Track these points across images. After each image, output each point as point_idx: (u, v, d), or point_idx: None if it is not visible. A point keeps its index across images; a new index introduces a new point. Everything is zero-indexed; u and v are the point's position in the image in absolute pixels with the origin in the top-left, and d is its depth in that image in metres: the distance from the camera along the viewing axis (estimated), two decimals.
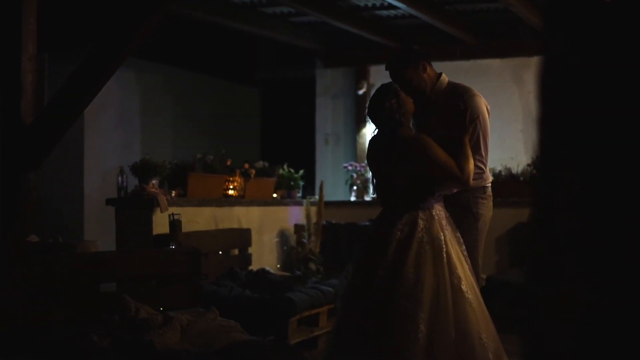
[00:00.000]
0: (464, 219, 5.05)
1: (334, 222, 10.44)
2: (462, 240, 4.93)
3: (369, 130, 11.83)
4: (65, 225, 9.52)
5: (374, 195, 11.22)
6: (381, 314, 4.70)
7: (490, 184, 5.24)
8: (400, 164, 4.87)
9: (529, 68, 10.88)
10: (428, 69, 5.12)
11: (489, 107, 5.17)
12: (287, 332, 7.11)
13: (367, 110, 5.04)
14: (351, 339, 4.80)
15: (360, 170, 11.52)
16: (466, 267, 4.83)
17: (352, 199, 11.59)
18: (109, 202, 7.81)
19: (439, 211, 4.88)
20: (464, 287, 4.71)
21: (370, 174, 11.30)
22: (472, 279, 4.82)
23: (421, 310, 4.62)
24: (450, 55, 10.94)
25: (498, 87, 11.00)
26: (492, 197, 5.23)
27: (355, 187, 11.58)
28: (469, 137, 4.95)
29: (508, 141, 10.80)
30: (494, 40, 11.10)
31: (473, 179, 4.95)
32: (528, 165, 10.23)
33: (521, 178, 10.16)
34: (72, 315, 5.40)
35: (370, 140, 5.10)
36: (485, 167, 5.14)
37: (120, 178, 7.80)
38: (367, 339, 4.71)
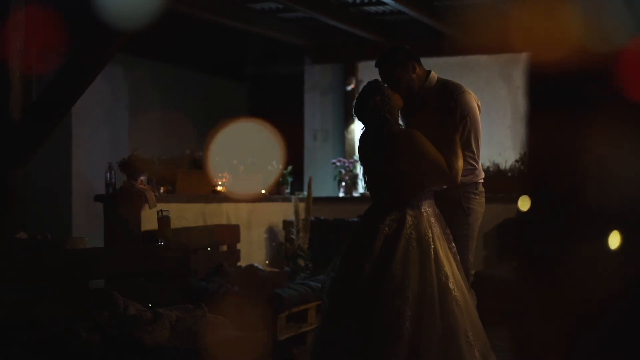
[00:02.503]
0: (455, 214, 5.06)
1: (322, 218, 10.44)
2: (451, 237, 4.94)
3: (357, 126, 11.84)
4: (54, 222, 9.51)
5: (366, 192, 11.24)
6: (367, 309, 4.71)
7: (482, 180, 5.25)
8: (389, 160, 4.88)
9: (517, 64, 10.90)
10: (417, 68, 5.13)
11: (479, 104, 5.17)
12: (275, 328, 7.11)
13: (353, 109, 5.07)
14: (337, 333, 4.81)
15: (348, 166, 11.53)
16: (454, 264, 4.84)
17: (341, 194, 11.60)
18: (97, 198, 7.79)
19: (428, 208, 4.89)
20: (451, 285, 4.72)
21: (358, 170, 11.36)
22: (459, 277, 4.83)
23: (407, 306, 4.63)
24: (439, 51, 10.95)
25: (486, 83, 11.02)
26: (484, 193, 5.24)
27: (343, 183, 11.58)
28: (459, 134, 4.95)
29: (496, 137, 10.82)
30: (482, 36, 11.11)
31: (464, 175, 4.97)
32: (516, 161, 10.25)
33: (509, 174, 10.19)
34: (61, 311, 5.40)
35: (360, 138, 5.12)
36: (477, 164, 5.14)
37: (108, 174, 7.79)
38: (352, 333, 4.72)
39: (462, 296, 4.76)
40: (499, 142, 10.81)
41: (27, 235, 6.55)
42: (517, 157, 10.29)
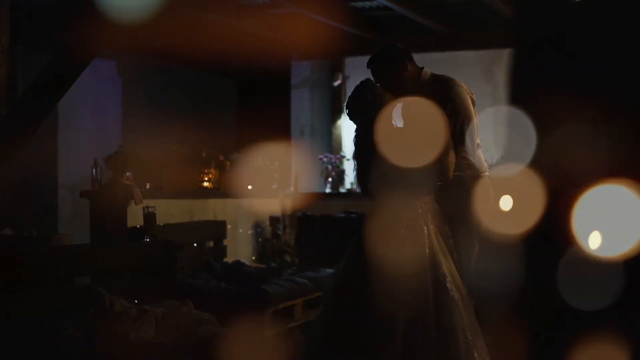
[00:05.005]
0: (457, 210, 5.00)
1: (309, 213, 10.44)
2: (450, 234, 4.89)
3: (345, 122, 11.85)
4: (40, 218, 9.47)
5: (353, 187, 11.25)
6: (361, 309, 4.69)
7: (486, 173, 5.20)
8: (381, 159, 4.87)
9: (502, 60, 10.92)
10: (409, 66, 5.10)
11: (474, 97, 5.16)
12: (262, 324, 7.11)
13: (345, 108, 5.06)
14: (331, 333, 4.79)
15: (335, 162, 11.53)
16: (452, 263, 4.80)
17: (327, 190, 11.60)
18: (83, 194, 7.77)
19: (424, 204, 4.85)
20: (449, 285, 4.67)
21: (345, 166, 11.36)
22: (457, 275, 4.78)
23: (399, 307, 4.60)
24: (425, 47, 10.96)
25: (474, 79, 11.02)
26: (490, 187, 5.16)
27: (330, 179, 11.58)
28: (451, 129, 4.93)
29: (482, 134, 10.82)
30: (468, 32, 11.13)
31: (462, 170, 4.95)
32: (502, 157, 10.27)
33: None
34: (46, 308, 5.39)
35: (353, 138, 5.08)
36: (474, 158, 5.11)
37: (94, 170, 7.77)
38: (346, 334, 4.71)
39: (460, 296, 4.71)
40: (486, 139, 10.81)
41: (13, 232, 6.53)
42: (502, 153, 10.30)
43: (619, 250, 1.88)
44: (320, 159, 11.68)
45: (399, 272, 4.67)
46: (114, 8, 5.94)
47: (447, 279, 4.68)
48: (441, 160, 4.82)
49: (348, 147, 11.35)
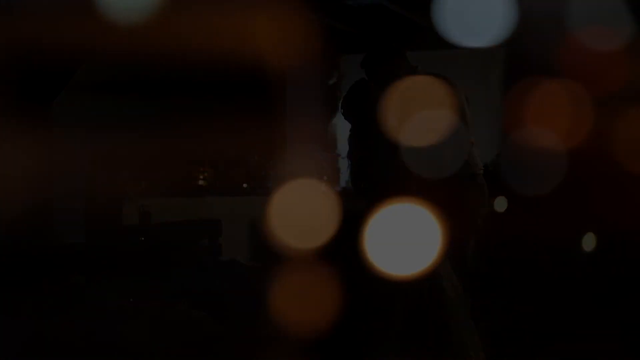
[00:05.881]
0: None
1: None
2: None
3: (340, 121, 11.84)
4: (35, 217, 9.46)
5: (347, 186, 11.25)
6: (357, 310, 4.70)
7: (480, 172, 5.22)
8: (376, 160, 4.88)
9: (496, 59, 10.94)
10: (404, 65, 5.11)
11: (468, 96, 5.18)
12: (258, 323, 7.11)
13: (340, 109, 5.07)
14: (328, 332, 4.79)
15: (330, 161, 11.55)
16: (448, 263, 4.80)
17: None
18: (78, 193, 7.77)
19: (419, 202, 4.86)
20: (445, 284, 4.68)
21: (340, 164, 11.39)
22: (453, 274, 4.79)
23: (394, 308, 4.61)
24: (419, 45, 10.96)
25: (468, 77, 11.03)
26: (485, 186, 5.18)
27: (325, 177, 11.58)
28: None
29: (477, 132, 10.83)
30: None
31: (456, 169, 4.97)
32: (497, 155, 10.29)
33: (490, 168, 10.22)
34: (41, 307, 5.39)
35: (348, 138, 5.10)
36: (468, 155, 5.13)
37: (89, 169, 7.76)
38: (342, 334, 4.71)
39: (456, 295, 4.72)
40: (480, 137, 10.83)
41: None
42: (497, 151, 10.34)
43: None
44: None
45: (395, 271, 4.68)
46: (110, 8, 5.96)
47: (443, 280, 4.69)
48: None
49: (343, 145, 11.37)
